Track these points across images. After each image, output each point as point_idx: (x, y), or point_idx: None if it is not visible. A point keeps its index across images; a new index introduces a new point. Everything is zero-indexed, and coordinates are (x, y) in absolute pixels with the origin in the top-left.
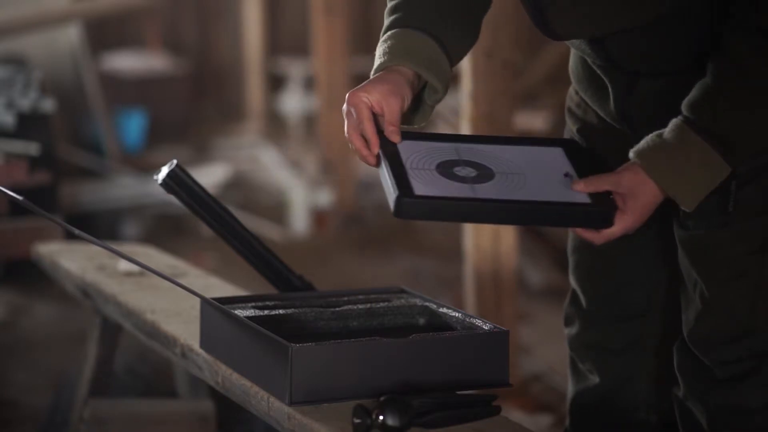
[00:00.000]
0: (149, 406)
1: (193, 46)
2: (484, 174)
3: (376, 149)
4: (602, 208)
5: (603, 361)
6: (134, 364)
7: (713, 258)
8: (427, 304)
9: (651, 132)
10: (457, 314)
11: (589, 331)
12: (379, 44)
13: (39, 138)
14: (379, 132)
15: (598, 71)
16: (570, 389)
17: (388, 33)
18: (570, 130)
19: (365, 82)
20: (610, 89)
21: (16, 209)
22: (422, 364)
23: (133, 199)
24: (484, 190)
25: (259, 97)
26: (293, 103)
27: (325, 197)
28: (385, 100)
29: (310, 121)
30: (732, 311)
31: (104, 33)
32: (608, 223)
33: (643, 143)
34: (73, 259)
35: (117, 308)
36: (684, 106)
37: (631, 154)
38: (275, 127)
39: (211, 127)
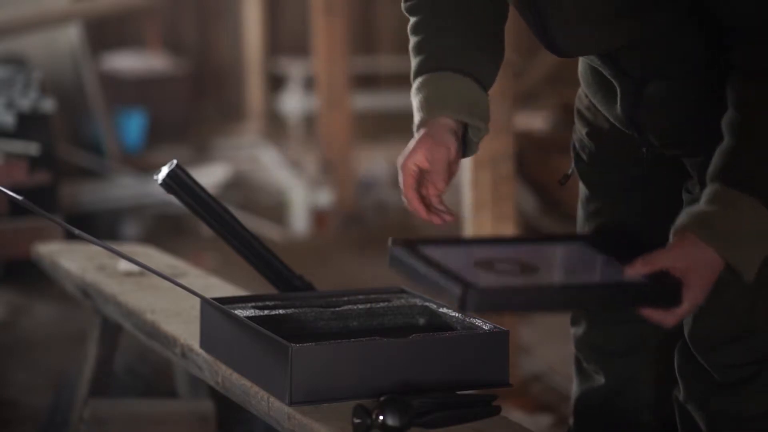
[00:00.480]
0: (149, 406)
1: (193, 46)
2: (528, 267)
3: (425, 215)
4: (668, 286)
5: (606, 362)
6: (134, 364)
7: None
8: (427, 304)
9: (658, 136)
10: (457, 314)
11: (593, 331)
12: (413, 92)
13: (39, 138)
14: (410, 241)
15: (607, 76)
16: (575, 389)
17: (420, 80)
18: (579, 132)
19: (411, 143)
20: (618, 93)
21: (16, 209)
22: (422, 364)
23: (133, 199)
24: (542, 280)
25: (259, 97)
26: (293, 103)
27: (325, 197)
28: (431, 156)
29: (310, 121)
30: (731, 311)
31: (104, 33)
32: (677, 299)
33: (685, 217)
34: (73, 259)
35: (117, 308)
36: (711, 175)
37: (678, 228)
38: (275, 127)
39: (211, 127)
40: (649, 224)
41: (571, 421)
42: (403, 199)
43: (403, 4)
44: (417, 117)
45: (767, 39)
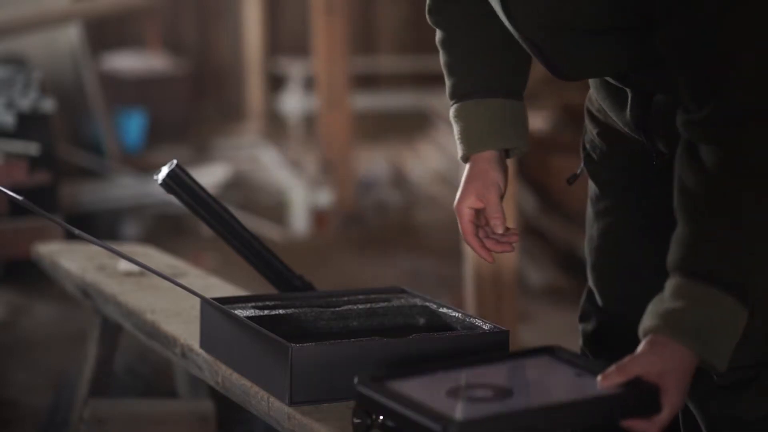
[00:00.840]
0: (149, 406)
1: (193, 46)
2: (502, 391)
3: (487, 256)
4: (645, 393)
5: (613, 361)
6: (134, 364)
7: None
8: (427, 304)
9: (666, 143)
10: (457, 314)
11: (603, 329)
12: (450, 115)
13: (39, 138)
14: (376, 377)
15: (616, 84)
16: None
17: (454, 108)
18: (590, 132)
19: (462, 184)
20: (628, 100)
21: (16, 209)
22: None
23: (133, 199)
24: (519, 403)
25: (259, 97)
26: (293, 103)
27: (325, 197)
28: (483, 197)
29: (310, 121)
30: None
31: (104, 33)
32: (656, 406)
33: (652, 318)
34: (73, 259)
35: (117, 308)
36: (672, 264)
37: (647, 330)
38: (275, 127)
39: (211, 127)
40: (657, 226)
41: None
42: (465, 242)
43: (428, 17)
44: (459, 149)
45: (718, 103)
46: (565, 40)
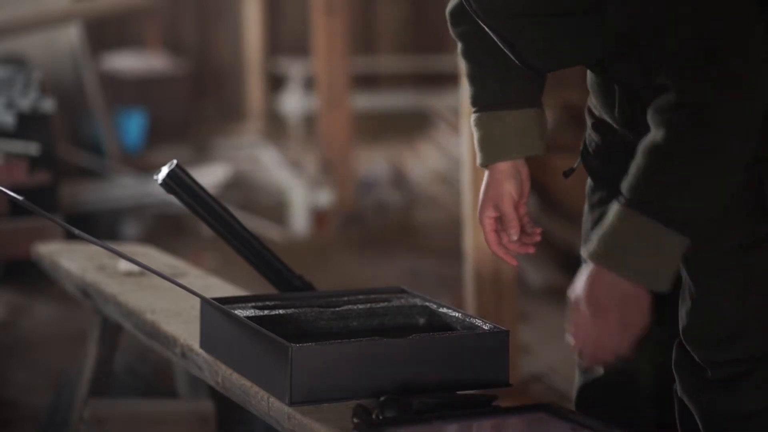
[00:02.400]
0: (149, 406)
1: (193, 46)
2: None
3: (511, 260)
4: None
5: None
6: (134, 364)
7: (697, 255)
8: (427, 304)
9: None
10: (457, 314)
11: None
12: (471, 122)
13: (39, 138)
14: (375, 423)
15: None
16: (576, 381)
17: (475, 117)
18: (588, 126)
19: (481, 196)
20: (616, 96)
21: (16, 209)
22: (422, 364)
23: (133, 199)
24: None
25: (259, 97)
26: (293, 103)
27: (325, 197)
28: (499, 207)
29: (310, 121)
30: (719, 311)
31: (104, 33)
32: None
33: (593, 243)
34: (73, 259)
35: (117, 308)
36: (623, 188)
37: (585, 255)
38: (275, 127)
39: (211, 127)
40: None
41: None
42: (492, 250)
43: (450, 30)
44: (478, 156)
45: (705, 75)
46: (530, 29)
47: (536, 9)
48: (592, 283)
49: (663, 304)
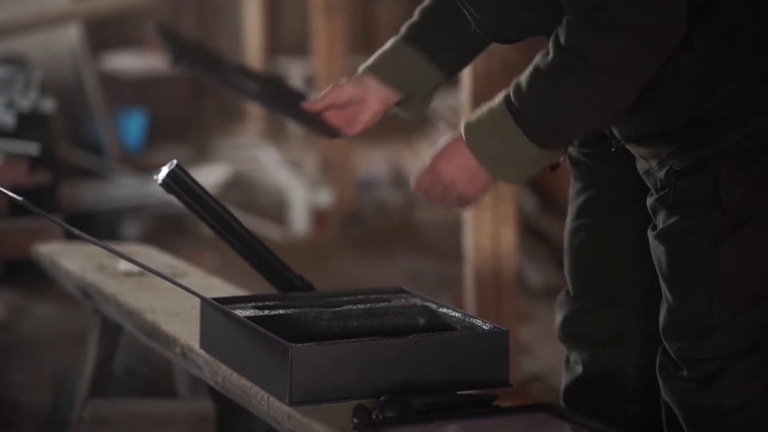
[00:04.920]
0: (149, 406)
1: None
2: None
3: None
4: None
5: (589, 352)
6: (134, 364)
7: (668, 253)
8: (427, 304)
9: (618, 131)
10: (457, 314)
11: (573, 318)
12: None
13: (39, 138)
14: (374, 423)
15: None
16: (563, 380)
17: (396, 38)
18: None
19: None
20: None
21: (16, 209)
22: (422, 364)
23: (133, 199)
24: None
25: None
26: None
27: (325, 197)
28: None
29: None
30: (690, 308)
31: (104, 33)
32: None
33: (473, 114)
34: (73, 259)
35: (117, 308)
36: (513, 84)
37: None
38: (275, 127)
39: (211, 127)
40: (627, 201)
41: None
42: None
43: None
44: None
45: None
46: None
47: None
48: (451, 143)
49: (645, 301)
